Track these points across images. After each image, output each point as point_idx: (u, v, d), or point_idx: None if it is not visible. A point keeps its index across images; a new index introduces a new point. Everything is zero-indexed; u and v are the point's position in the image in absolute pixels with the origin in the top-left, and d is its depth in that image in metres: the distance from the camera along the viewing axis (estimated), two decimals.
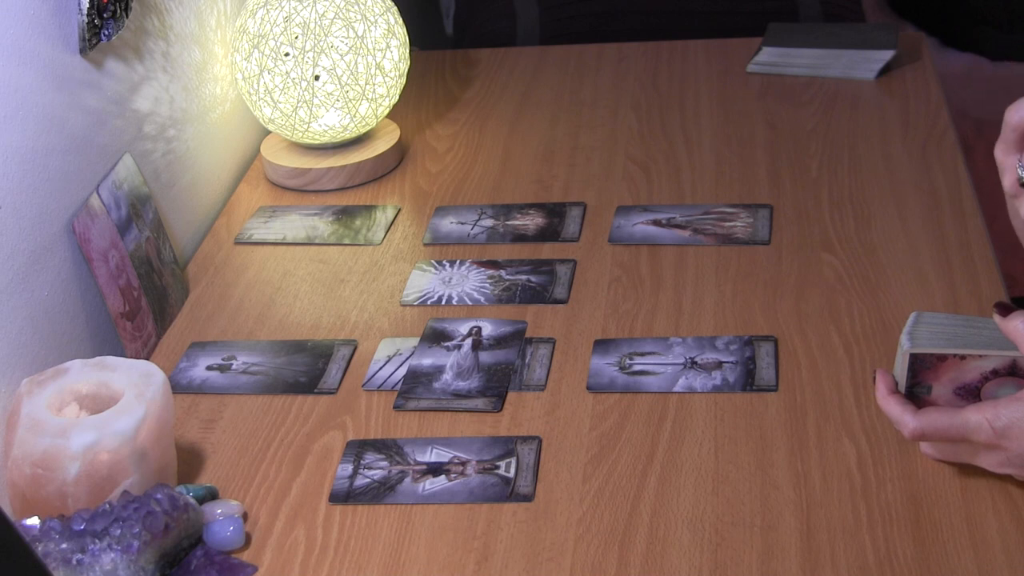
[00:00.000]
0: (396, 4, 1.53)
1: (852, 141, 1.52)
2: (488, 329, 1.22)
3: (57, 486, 0.96)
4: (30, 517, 0.93)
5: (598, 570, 0.95)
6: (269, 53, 1.44)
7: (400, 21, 1.51)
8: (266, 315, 1.28)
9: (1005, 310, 0.94)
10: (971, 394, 0.98)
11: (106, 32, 1.22)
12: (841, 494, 1.00)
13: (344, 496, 1.04)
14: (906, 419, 0.97)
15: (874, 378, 1.00)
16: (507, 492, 1.02)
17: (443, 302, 1.27)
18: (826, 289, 1.25)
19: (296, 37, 1.44)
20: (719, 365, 1.15)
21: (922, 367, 0.97)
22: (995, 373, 0.97)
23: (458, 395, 1.14)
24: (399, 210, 1.45)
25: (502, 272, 1.31)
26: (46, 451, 0.95)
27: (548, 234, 1.38)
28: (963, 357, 0.97)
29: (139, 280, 1.24)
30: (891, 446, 1.04)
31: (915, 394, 0.99)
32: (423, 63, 1.78)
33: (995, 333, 0.96)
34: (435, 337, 1.21)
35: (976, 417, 0.94)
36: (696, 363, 1.15)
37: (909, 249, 1.30)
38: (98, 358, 1.04)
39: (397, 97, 1.53)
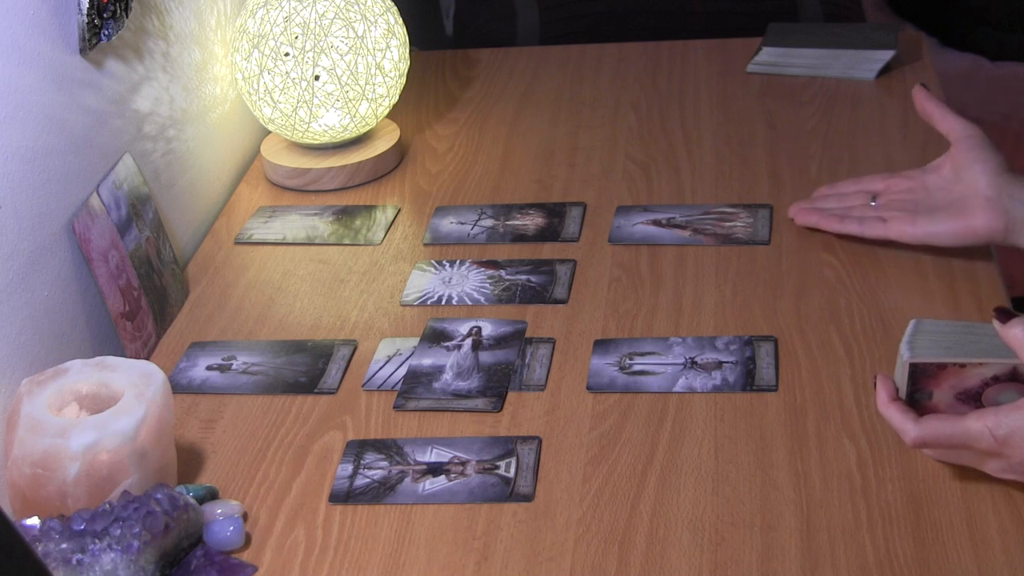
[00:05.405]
0: (396, 4, 1.53)
1: (852, 141, 1.51)
2: (488, 329, 1.22)
3: (57, 486, 0.96)
4: (30, 517, 0.93)
5: (598, 570, 0.95)
6: (269, 53, 1.44)
7: (400, 21, 1.51)
8: (266, 315, 1.28)
9: (1005, 316, 0.94)
10: (972, 399, 0.97)
11: (106, 32, 1.22)
12: (841, 494, 1.00)
13: (344, 496, 1.04)
14: (907, 427, 0.96)
15: (874, 384, 1.00)
16: (507, 492, 1.02)
17: (443, 302, 1.27)
18: (826, 289, 1.25)
19: (296, 37, 1.44)
20: (719, 365, 1.14)
21: (922, 375, 0.97)
22: (996, 379, 0.96)
23: (458, 395, 1.14)
24: (399, 210, 1.45)
25: (502, 272, 1.31)
26: (46, 451, 0.95)
27: (548, 234, 1.37)
28: (963, 365, 0.97)
29: (139, 280, 1.24)
30: (891, 446, 1.03)
31: (916, 400, 0.98)
32: (423, 63, 1.78)
33: (995, 340, 0.96)
34: (435, 337, 1.21)
35: (977, 425, 0.93)
36: (696, 363, 1.15)
37: (909, 249, 1.29)
38: (98, 358, 1.04)
39: (397, 97, 1.53)
